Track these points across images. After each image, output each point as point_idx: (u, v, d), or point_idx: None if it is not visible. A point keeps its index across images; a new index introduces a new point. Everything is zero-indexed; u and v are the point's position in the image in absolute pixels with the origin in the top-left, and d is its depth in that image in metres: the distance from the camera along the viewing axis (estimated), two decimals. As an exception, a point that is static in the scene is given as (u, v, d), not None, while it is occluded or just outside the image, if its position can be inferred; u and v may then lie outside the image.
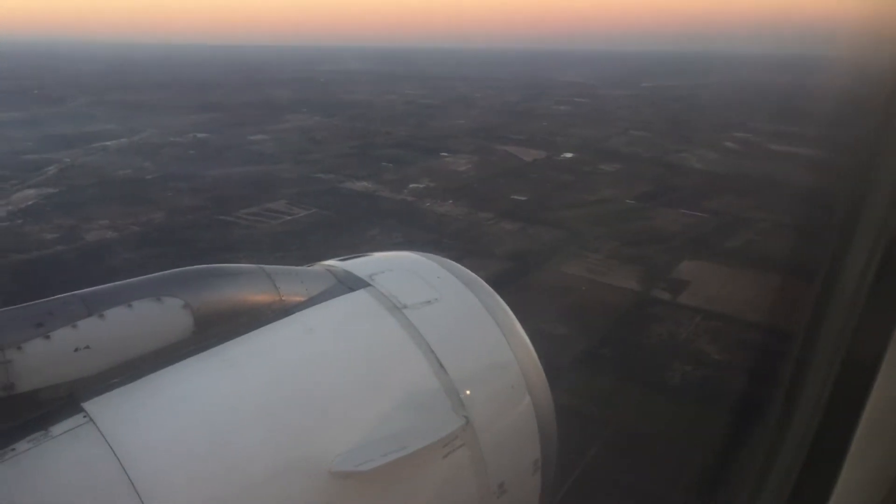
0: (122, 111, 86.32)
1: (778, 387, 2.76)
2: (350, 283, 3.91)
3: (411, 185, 50.06)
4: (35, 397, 2.68)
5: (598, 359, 23.43)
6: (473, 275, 4.36)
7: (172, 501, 2.58)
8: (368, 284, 3.89)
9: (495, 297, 4.20)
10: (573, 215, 41.91)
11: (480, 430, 3.42)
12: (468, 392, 3.47)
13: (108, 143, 64.68)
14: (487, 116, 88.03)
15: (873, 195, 2.21)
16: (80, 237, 36.41)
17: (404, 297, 3.79)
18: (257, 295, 3.50)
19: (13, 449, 2.51)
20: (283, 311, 3.51)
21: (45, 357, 2.71)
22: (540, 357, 4.09)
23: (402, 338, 3.56)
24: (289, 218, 41.21)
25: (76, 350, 2.77)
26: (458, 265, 4.42)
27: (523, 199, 46.51)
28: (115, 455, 2.56)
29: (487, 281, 4.37)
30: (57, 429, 2.60)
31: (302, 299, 3.65)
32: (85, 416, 2.67)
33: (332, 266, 4.17)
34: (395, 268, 4.18)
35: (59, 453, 2.54)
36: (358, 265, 4.16)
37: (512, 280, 29.58)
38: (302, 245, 35.27)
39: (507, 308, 4.18)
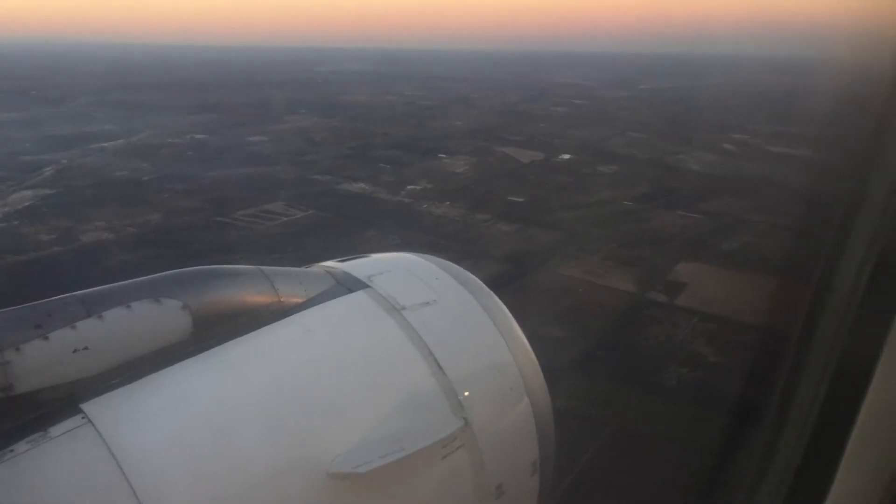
0: (120, 112, 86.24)
1: (774, 388, 2.77)
2: (349, 285, 3.91)
3: (409, 187, 50.06)
4: (34, 398, 2.68)
5: (596, 361, 23.45)
6: (472, 276, 4.36)
7: (171, 502, 2.59)
8: (367, 286, 3.89)
9: (494, 298, 4.21)
10: (571, 217, 41.95)
11: (479, 432, 3.43)
12: (466, 393, 3.47)
13: (106, 144, 64.62)
14: (486, 118, 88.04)
15: (870, 197, 2.22)
16: (76, 238, 36.41)
17: (403, 299, 3.79)
18: (256, 296, 3.49)
19: (12, 450, 2.51)
20: (281, 312, 3.51)
21: (43, 358, 2.71)
22: (538, 359, 4.10)
23: (401, 339, 3.56)
24: (286, 219, 41.20)
25: (75, 351, 2.77)
26: (457, 266, 4.43)
27: (521, 200, 46.53)
28: (114, 456, 2.56)
29: (485, 283, 4.38)
30: (56, 430, 2.60)
31: (300, 300, 3.65)
32: (83, 418, 2.67)
33: (331, 267, 4.17)
34: (393, 269, 4.18)
35: (58, 454, 2.54)
36: (356, 266, 4.16)
37: (509, 282, 29.59)
38: (299, 247, 35.26)
39: (506, 309, 4.18)
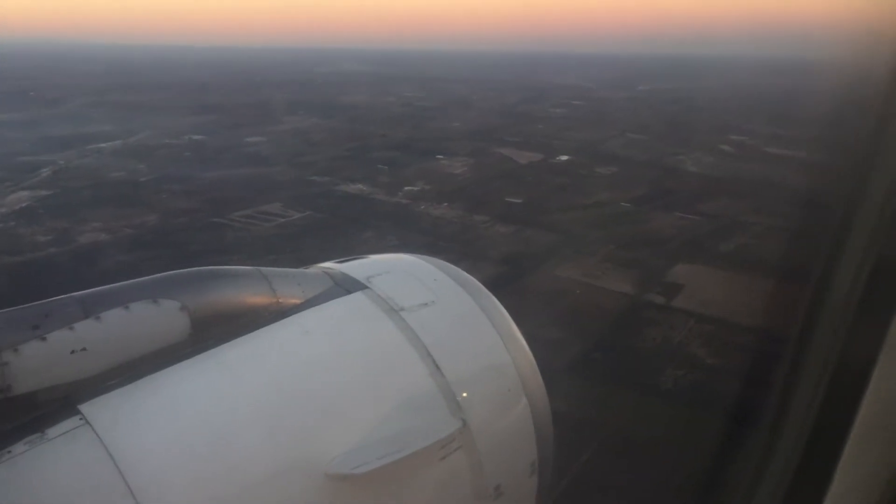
0: (118, 113, 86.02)
1: (772, 390, 2.77)
2: (347, 286, 3.91)
3: (406, 188, 50.03)
4: (31, 399, 2.68)
5: (593, 362, 23.46)
6: (470, 277, 4.37)
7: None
8: (365, 287, 3.89)
9: (492, 299, 4.21)
10: (568, 218, 41.94)
11: (477, 433, 3.43)
12: (465, 394, 3.48)
13: (104, 144, 64.48)
14: (484, 119, 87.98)
15: (868, 198, 2.23)
16: (73, 239, 36.31)
17: (401, 300, 3.80)
18: (254, 297, 3.50)
19: (9, 451, 2.51)
20: (279, 313, 3.51)
21: (41, 359, 2.70)
22: (535, 360, 4.10)
23: (399, 340, 3.57)
24: (283, 220, 41.14)
25: (73, 352, 2.77)
26: (455, 268, 4.43)
27: (518, 201, 46.52)
28: (112, 457, 2.56)
29: (482, 284, 4.39)
30: (53, 431, 2.60)
31: (298, 301, 3.65)
32: (81, 419, 2.67)
33: (329, 268, 4.18)
34: (391, 270, 4.19)
35: (56, 455, 2.54)
36: (355, 267, 4.17)
37: (506, 283, 29.57)
38: (296, 248, 35.21)
39: (504, 310, 4.19)
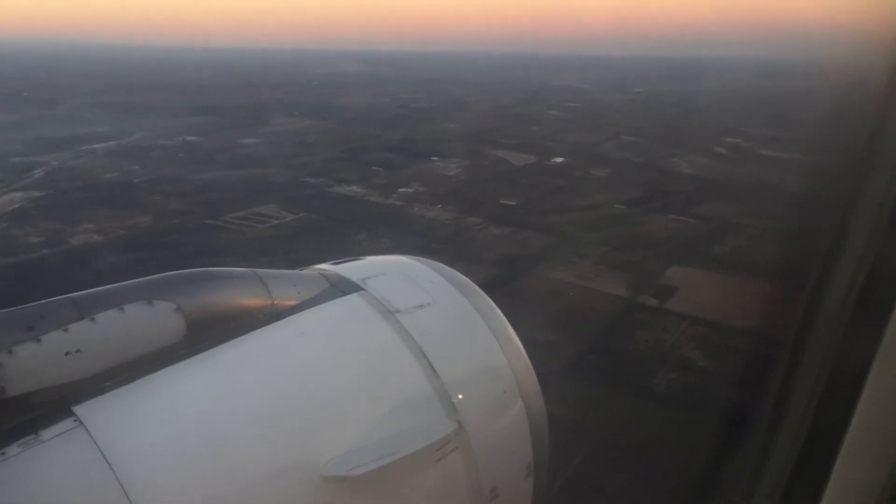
0: (113, 114, 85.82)
1: (767, 392, 2.77)
2: (342, 287, 3.90)
3: (400, 190, 50.03)
4: (26, 401, 2.66)
5: (587, 365, 23.48)
6: (466, 279, 4.37)
7: None
8: (361, 288, 3.89)
9: (488, 301, 4.21)
10: (562, 220, 41.98)
11: (473, 435, 3.43)
12: (460, 396, 3.47)
13: (98, 145, 64.31)
14: (479, 121, 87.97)
15: (864, 201, 2.23)
16: (65, 241, 36.20)
17: (397, 302, 3.79)
18: (249, 299, 3.48)
19: (3, 453, 2.49)
20: (275, 314, 3.50)
21: (35, 361, 2.69)
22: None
23: (395, 342, 3.56)
24: (277, 222, 41.09)
25: (67, 354, 2.76)
26: (451, 269, 4.43)
27: (513, 203, 46.57)
28: (106, 459, 2.55)
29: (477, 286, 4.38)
30: (47, 433, 2.59)
31: (294, 303, 3.64)
32: (76, 420, 2.65)
33: (325, 270, 4.17)
34: (387, 272, 4.18)
35: (50, 457, 2.53)
36: (350, 269, 4.16)
37: (501, 285, 29.58)
38: (290, 249, 35.18)
39: (500, 312, 4.19)
